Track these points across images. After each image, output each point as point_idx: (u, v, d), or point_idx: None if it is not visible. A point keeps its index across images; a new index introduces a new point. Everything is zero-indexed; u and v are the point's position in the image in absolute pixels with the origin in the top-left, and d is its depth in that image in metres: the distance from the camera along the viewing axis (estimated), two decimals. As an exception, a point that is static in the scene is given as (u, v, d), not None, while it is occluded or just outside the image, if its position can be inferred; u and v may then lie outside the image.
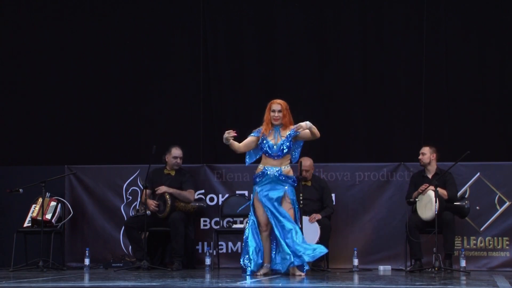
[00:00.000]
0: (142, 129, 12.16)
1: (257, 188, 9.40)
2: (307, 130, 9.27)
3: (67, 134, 12.16)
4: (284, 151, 9.35)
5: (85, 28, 12.26)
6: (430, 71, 11.64)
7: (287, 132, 9.39)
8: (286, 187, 9.35)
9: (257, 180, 9.41)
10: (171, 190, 10.81)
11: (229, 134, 9.33)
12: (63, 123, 12.19)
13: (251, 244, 9.40)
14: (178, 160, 11.02)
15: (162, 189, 10.80)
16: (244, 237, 9.55)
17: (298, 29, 12.00)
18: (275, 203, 9.30)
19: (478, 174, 11.05)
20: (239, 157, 11.73)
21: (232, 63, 12.12)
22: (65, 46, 12.25)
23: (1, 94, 12.32)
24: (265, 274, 9.30)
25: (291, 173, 9.44)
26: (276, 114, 9.39)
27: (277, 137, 9.40)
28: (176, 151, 11.04)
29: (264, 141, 9.40)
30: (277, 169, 9.35)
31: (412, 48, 11.74)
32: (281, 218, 9.27)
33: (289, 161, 9.49)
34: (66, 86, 12.24)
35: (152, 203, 10.73)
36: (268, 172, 9.35)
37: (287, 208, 9.34)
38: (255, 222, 9.47)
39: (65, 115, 12.20)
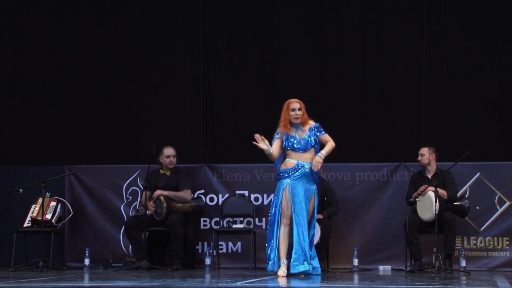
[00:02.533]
0: (142, 129, 12.16)
1: (289, 181, 9.25)
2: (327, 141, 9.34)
3: (67, 134, 12.16)
4: (311, 143, 9.31)
5: (85, 28, 12.26)
6: (430, 71, 11.64)
7: (308, 127, 9.36)
8: (315, 187, 9.35)
9: (288, 174, 9.25)
10: (166, 193, 10.80)
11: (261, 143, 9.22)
12: (63, 123, 12.19)
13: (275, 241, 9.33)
14: (171, 159, 11.02)
15: (157, 193, 10.80)
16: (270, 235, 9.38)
17: (298, 29, 12.00)
18: (304, 205, 9.24)
19: (478, 174, 11.05)
20: (239, 157, 11.80)
21: (232, 63, 12.12)
22: (65, 46, 12.25)
23: (1, 95, 12.32)
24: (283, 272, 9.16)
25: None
26: (297, 112, 9.33)
27: (300, 133, 9.35)
28: (167, 151, 11.03)
29: (289, 137, 9.32)
30: (310, 165, 9.28)
31: (412, 48, 11.74)
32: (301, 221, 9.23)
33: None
34: (66, 86, 12.24)
35: (151, 206, 10.73)
36: (305, 166, 9.26)
37: (311, 209, 9.32)
38: (277, 215, 9.31)
39: (65, 115, 12.20)
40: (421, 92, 11.61)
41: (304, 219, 9.21)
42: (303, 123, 9.39)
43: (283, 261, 9.19)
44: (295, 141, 9.30)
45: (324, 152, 9.29)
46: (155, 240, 11.01)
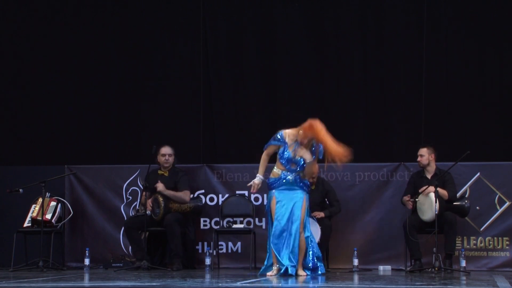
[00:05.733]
0: (142, 129, 12.16)
1: (275, 192, 9.33)
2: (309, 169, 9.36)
3: (67, 134, 12.16)
4: (300, 168, 9.32)
5: (85, 28, 12.25)
6: (430, 71, 11.64)
7: (305, 152, 9.26)
8: (303, 194, 9.33)
9: (274, 185, 9.35)
10: (166, 191, 10.80)
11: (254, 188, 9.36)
12: (63, 123, 12.18)
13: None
14: (167, 157, 11.01)
15: (159, 186, 10.79)
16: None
17: (298, 29, 12.00)
18: (293, 211, 9.27)
19: (478, 174, 11.05)
20: (239, 157, 11.79)
21: (232, 63, 12.12)
22: (65, 46, 12.24)
23: (1, 94, 12.31)
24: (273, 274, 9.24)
25: (305, 178, 9.45)
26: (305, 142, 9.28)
27: (296, 152, 9.28)
28: (163, 149, 11.01)
29: (285, 151, 9.29)
30: (295, 174, 9.32)
31: (412, 48, 11.74)
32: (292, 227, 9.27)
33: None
34: (66, 86, 12.23)
35: (149, 204, 10.72)
36: (288, 177, 9.30)
37: (302, 215, 9.30)
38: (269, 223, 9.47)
39: (65, 115, 12.20)
40: (421, 92, 11.61)
41: (295, 225, 9.23)
42: (302, 145, 9.30)
43: (275, 265, 9.29)
44: (286, 156, 9.29)
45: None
46: (155, 240, 11.01)
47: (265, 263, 9.57)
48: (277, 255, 9.22)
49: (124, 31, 12.24)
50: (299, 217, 9.28)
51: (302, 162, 9.30)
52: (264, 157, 9.45)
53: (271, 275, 9.17)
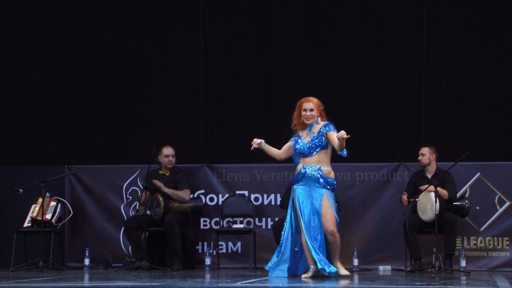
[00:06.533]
0: (142, 129, 12.16)
1: (296, 188, 9.05)
2: (336, 139, 8.86)
3: (67, 134, 12.16)
4: (314, 147, 9.00)
5: (85, 28, 12.26)
6: (430, 71, 11.64)
7: (318, 128, 9.07)
8: (324, 191, 8.99)
9: (294, 179, 9.10)
10: (166, 189, 10.81)
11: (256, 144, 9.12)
12: (63, 123, 12.19)
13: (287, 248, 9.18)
14: (170, 158, 11.03)
15: (157, 183, 10.79)
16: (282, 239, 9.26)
17: (298, 29, 12.00)
18: (310, 215, 8.99)
19: (478, 174, 11.05)
20: (239, 157, 11.80)
21: (232, 63, 12.11)
22: (65, 46, 12.25)
23: (1, 94, 12.32)
24: (314, 277, 8.92)
25: (332, 175, 9.09)
26: (308, 113, 9.08)
27: (309, 136, 9.10)
28: (167, 150, 11.04)
29: (298, 140, 9.11)
30: (316, 168, 9.05)
31: (412, 48, 11.73)
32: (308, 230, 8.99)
33: (329, 160, 9.11)
34: (66, 86, 12.24)
35: (143, 198, 10.77)
36: (307, 171, 9.02)
37: (326, 209, 8.97)
38: (293, 222, 9.18)
39: (65, 115, 12.20)
40: (421, 92, 11.61)
41: (309, 224, 8.99)
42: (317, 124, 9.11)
43: (311, 267, 8.96)
44: (300, 145, 9.11)
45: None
46: (155, 240, 11.01)
47: (276, 257, 9.18)
48: (313, 255, 8.91)
49: (124, 31, 12.24)
50: (320, 214, 8.98)
51: (316, 144, 9.02)
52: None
53: (306, 277, 8.90)
